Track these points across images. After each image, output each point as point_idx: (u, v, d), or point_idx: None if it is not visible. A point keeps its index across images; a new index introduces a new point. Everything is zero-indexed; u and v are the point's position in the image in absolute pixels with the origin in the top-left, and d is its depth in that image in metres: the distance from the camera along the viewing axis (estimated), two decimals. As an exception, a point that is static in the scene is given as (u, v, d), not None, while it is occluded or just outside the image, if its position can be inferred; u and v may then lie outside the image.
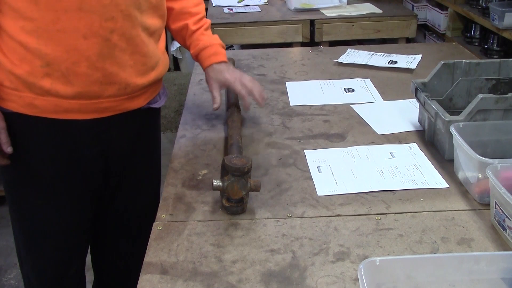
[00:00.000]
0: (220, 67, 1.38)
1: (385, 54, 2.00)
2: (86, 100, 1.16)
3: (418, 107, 1.41)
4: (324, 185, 1.16)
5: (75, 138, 1.21)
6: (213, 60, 1.38)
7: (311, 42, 2.93)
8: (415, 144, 1.32)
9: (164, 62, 1.31)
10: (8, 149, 1.16)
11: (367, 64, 1.90)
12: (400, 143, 1.33)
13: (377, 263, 0.78)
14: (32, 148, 1.20)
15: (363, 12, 2.99)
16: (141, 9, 1.17)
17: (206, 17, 1.45)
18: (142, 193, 1.42)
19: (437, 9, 3.19)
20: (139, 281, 0.89)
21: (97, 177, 1.30)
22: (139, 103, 1.27)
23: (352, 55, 2.01)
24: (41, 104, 1.14)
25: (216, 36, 1.43)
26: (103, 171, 1.30)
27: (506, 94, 1.18)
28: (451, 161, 1.20)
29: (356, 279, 0.87)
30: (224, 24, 2.92)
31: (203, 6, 1.44)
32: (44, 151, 1.21)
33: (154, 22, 1.23)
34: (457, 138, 1.09)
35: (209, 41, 1.40)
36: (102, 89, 1.16)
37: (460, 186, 1.14)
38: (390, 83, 1.73)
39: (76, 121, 1.18)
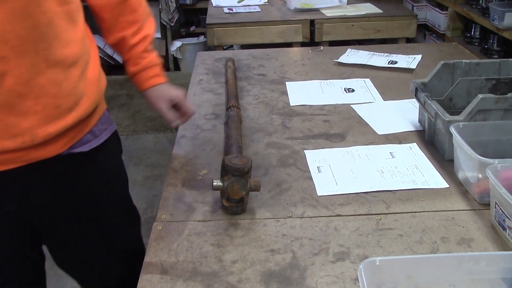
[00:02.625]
0: (162, 86, 1.25)
1: (385, 54, 2.00)
2: None
3: (418, 107, 1.41)
4: (324, 185, 1.16)
5: None
6: (156, 81, 1.24)
7: (311, 42, 2.93)
8: (415, 144, 1.32)
9: (94, 92, 1.08)
10: None
11: (367, 64, 1.90)
12: (400, 143, 1.33)
13: (377, 263, 0.78)
14: None
15: (363, 12, 2.99)
16: (45, 40, 0.93)
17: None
18: (92, 255, 1.23)
19: (437, 9, 3.19)
20: (139, 281, 0.89)
21: (24, 237, 1.12)
22: (54, 150, 1.04)
23: (352, 55, 2.01)
24: None
25: (156, 54, 1.26)
26: (30, 229, 1.12)
27: (506, 94, 1.18)
28: (451, 161, 1.20)
29: (356, 279, 0.87)
30: (224, 24, 2.92)
31: (143, 11, 1.22)
32: None
33: (71, 51, 0.99)
34: (457, 138, 1.09)
35: (152, 60, 1.23)
36: (2, 145, 0.96)
37: (460, 186, 1.14)
38: (390, 83, 1.73)
39: None
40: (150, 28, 1.24)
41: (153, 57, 1.24)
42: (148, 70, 1.23)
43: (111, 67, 4.72)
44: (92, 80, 1.07)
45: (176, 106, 1.27)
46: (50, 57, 0.95)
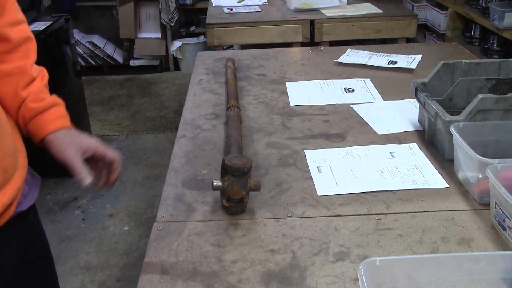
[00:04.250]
0: (74, 132, 1.00)
1: (385, 54, 2.00)
2: None
3: (418, 107, 1.41)
4: (324, 185, 1.16)
5: None
6: (63, 123, 0.99)
7: (311, 42, 2.93)
8: (415, 144, 1.32)
9: (20, 166, 0.91)
10: None
11: (367, 64, 1.90)
12: (400, 143, 1.33)
13: (377, 263, 0.78)
14: None
15: (363, 12, 2.99)
16: None
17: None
18: None
19: (437, 9, 3.19)
20: (139, 281, 0.89)
21: None
22: (6, 216, 0.89)
23: (352, 55, 2.01)
24: None
25: (55, 96, 1.02)
26: None
27: (506, 94, 1.18)
28: (451, 161, 1.20)
29: (356, 279, 0.87)
30: (224, 24, 2.92)
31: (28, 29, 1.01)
32: None
33: None
34: (457, 138, 1.09)
35: (55, 99, 1.01)
36: None
37: (460, 186, 1.14)
38: (390, 83, 1.73)
39: None
40: (37, 69, 1.02)
41: (54, 97, 1.01)
42: (52, 109, 0.99)
43: (111, 67, 4.72)
44: (10, 152, 0.88)
45: (94, 159, 1.01)
46: None
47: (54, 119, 0.99)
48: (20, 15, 1.00)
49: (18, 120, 0.98)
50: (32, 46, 1.01)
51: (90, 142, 0.99)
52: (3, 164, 0.84)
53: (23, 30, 1.00)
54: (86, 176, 0.95)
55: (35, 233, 1.03)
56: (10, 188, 0.87)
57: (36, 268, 1.04)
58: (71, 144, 0.97)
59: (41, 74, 1.02)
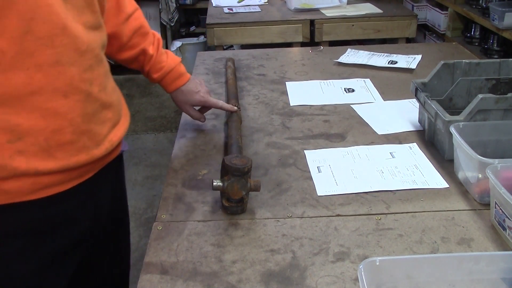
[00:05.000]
0: (187, 88, 1.34)
1: (385, 54, 2.00)
2: (71, 170, 0.95)
3: (418, 107, 1.41)
4: (324, 185, 1.16)
5: (61, 215, 0.98)
6: (179, 83, 1.32)
7: (311, 42, 2.93)
8: (415, 144, 1.32)
9: (123, 103, 1.12)
10: None
11: (367, 64, 1.90)
12: (400, 143, 1.33)
13: (377, 263, 0.78)
14: (3, 244, 0.93)
15: (363, 12, 2.99)
16: (103, 50, 1.00)
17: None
18: (116, 248, 1.24)
19: (437, 9, 3.19)
20: (139, 281, 0.89)
21: (84, 243, 1.06)
22: (116, 152, 1.10)
23: (352, 55, 2.01)
24: (13, 187, 0.89)
25: (171, 53, 1.33)
26: (92, 233, 1.08)
27: (506, 94, 1.18)
28: (451, 161, 1.20)
29: (356, 279, 0.87)
30: (224, 24, 2.93)
31: (141, 13, 1.26)
32: (20, 244, 0.94)
33: None
34: (457, 138, 1.09)
35: (172, 61, 1.30)
36: (90, 156, 0.96)
37: (460, 186, 1.14)
38: (390, 83, 1.73)
39: (57, 194, 0.95)
40: (155, 32, 1.29)
41: (170, 60, 1.29)
42: (169, 74, 1.30)
43: (111, 66, 4.70)
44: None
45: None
46: (107, 67, 1.01)
47: (170, 83, 1.31)
48: (133, 4, 1.23)
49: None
50: (144, 29, 1.24)
51: (198, 100, 1.36)
52: (116, 108, 1.04)
53: (136, 18, 1.23)
54: (199, 118, 1.40)
55: (122, 176, 1.23)
56: (119, 130, 1.05)
57: (119, 205, 1.21)
58: (184, 102, 1.36)
59: (156, 44, 1.27)
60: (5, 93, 0.84)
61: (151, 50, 1.25)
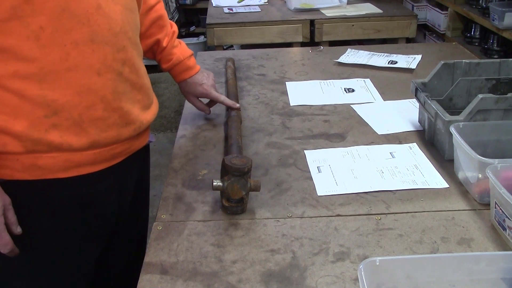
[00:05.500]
0: (193, 80, 1.39)
1: (385, 54, 2.00)
2: (101, 148, 1.00)
3: (418, 107, 1.41)
4: (324, 185, 1.16)
5: (89, 196, 1.04)
6: (185, 75, 1.37)
7: (311, 42, 2.93)
8: (415, 144, 1.32)
9: (154, 101, 1.18)
10: (18, 230, 0.94)
11: (367, 64, 1.90)
12: (400, 143, 1.33)
13: (377, 263, 0.78)
14: (33, 221, 0.98)
15: (363, 12, 2.99)
16: (137, 33, 1.05)
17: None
18: (135, 233, 1.29)
19: (437, 9, 3.19)
20: (139, 281, 0.89)
21: (108, 228, 1.13)
22: (145, 139, 1.16)
23: (352, 55, 2.01)
24: (47, 163, 0.94)
25: (184, 45, 1.38)
26: (115, 220, 1.14)
27: (506, 94, 1.18)
28: (451, 161, 1.20)
29: (356, 279, 0.87)
30: (224, 24, 2.92)
31: (163, 9, 1.34)
32: (50, 222, 1.00)
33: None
34: (457, 138, 1.09)
35: (181, 55, 1.34)
36: (120, 133, 1.01)
37: (460, 186, 1.14)
38: (390, 83, 1.73)
39: (88, 175, 1.00)
40: (173, 24, 1.37)
41: (181, 52, 1.34)
42: (177, 67, 1.35)
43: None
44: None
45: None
46: (140, 50, 1.07)
47: (178, 74, 1.36)
48: None
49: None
50: (162, 21, 1.30)
51: (200, 92, 1.40)
52: (147, 92, 1.09)
53: (157, 10, 1.29)
54: (203, 110, 1.45)
55: (147, 167, 1.28)
56: (149, 113, 1.11)
57: (141, 197, 1.26)
58: (188, 92, 1.41)
59: (170, 36, 1.32)
60: (43, 68, 0.88)
61: (164, 42, 1.31)
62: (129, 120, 1.03)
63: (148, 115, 1.11)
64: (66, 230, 1.03)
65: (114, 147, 1.03)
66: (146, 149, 1.23)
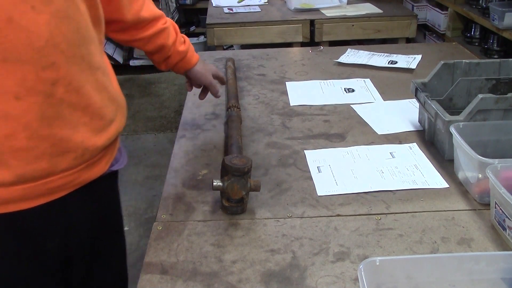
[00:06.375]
0: (194, 71, 1.36)
1: (385, 54, 2.00)
2: (32, 182, 0.86)
3: (418, 107, 1.41)
4: (324, 185, 1.16)
5: (25, 236, 0.91)
6: (186, 67, 1.35)
7: (311, 42, 2.93)
8: (415, 144, 1.32)
9: (122, 105, 1.02)
10: None
11: (367, 64, 1.90)
12: (400, 143, 1.33)
13: (377, 263, 0.78)
14: None
15: (363, 12, 2.99)
16: (86, 45, 0.87)
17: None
18: (109, 271, 1.18)
19: (437, 9, 3.19)
20: (139, 281, 0.89)
21: (58, 272, 1.01)
22: (100, 169, 0.98)
23: (352, 55, 2.01)
24: None
25: (180, 37, 1.32)
26: (65, 262, 1.01)
27: (506, 94, 1.18)
28: (451, 161, 1.20)
29: (356, 279, 0.87)
30: (224, 24, 2.92)
31: (157, 10, 1.26)
32: None
33: (103, 57, 0.95)
34: (457, 138, 1.09)
35: (182, 52, 1.31)
36: (53, 164, 0.87)
37: (460, 186, 1.14)
38: (390, 83, 1.73)
39: (21, 212, 0.87)
40: (170, 20, 1.31)
41: (186, 38, 1.34)
42: (190, 51, 1.33)
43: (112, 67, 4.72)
44: (118, 90, 1.02)
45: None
46: (91, 63, 0.89)
47: (190, 58, 1.33)
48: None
49: (162, 65, 1.32)
50: (161, 22, 1.23)
51: (212, 68, 1.41)
52: (101, 111, 0.93)
53: (151, 9, 1.21)
54: (218, 91, 1.42)
55: (114, 195, 1.15)
56: (104, 136, 0.95)
57: (109, 227, 1.13)
58: (208, 71, 1.39)
59: (173, 34, 1.27)
60: None
61: (169, 41, 1.27)
62: (66, 148, 0.87)
63: (101, 139, 0.93)
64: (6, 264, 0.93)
65: (48, 181, 0.88)
66: (111, 178, 1.07)
